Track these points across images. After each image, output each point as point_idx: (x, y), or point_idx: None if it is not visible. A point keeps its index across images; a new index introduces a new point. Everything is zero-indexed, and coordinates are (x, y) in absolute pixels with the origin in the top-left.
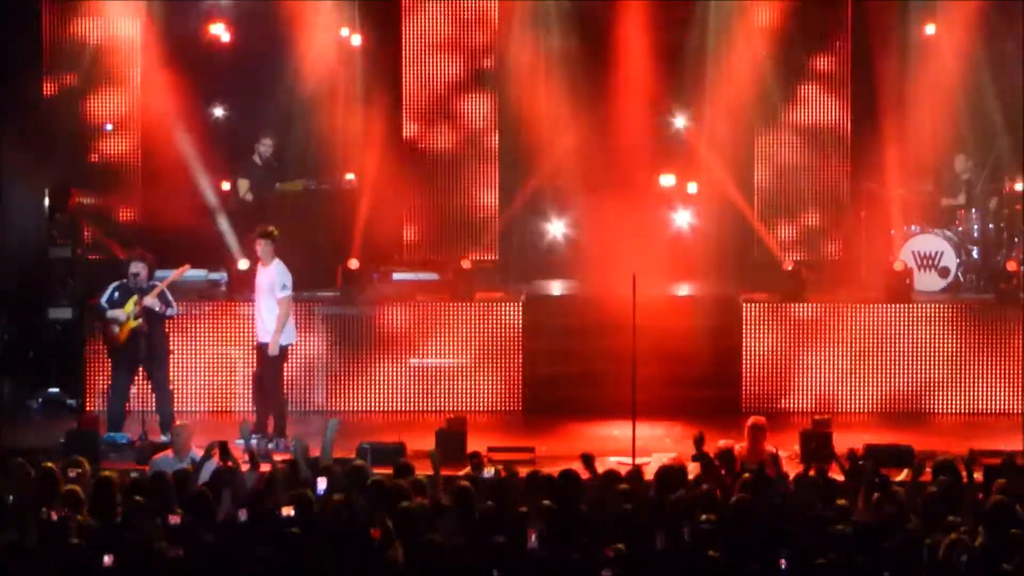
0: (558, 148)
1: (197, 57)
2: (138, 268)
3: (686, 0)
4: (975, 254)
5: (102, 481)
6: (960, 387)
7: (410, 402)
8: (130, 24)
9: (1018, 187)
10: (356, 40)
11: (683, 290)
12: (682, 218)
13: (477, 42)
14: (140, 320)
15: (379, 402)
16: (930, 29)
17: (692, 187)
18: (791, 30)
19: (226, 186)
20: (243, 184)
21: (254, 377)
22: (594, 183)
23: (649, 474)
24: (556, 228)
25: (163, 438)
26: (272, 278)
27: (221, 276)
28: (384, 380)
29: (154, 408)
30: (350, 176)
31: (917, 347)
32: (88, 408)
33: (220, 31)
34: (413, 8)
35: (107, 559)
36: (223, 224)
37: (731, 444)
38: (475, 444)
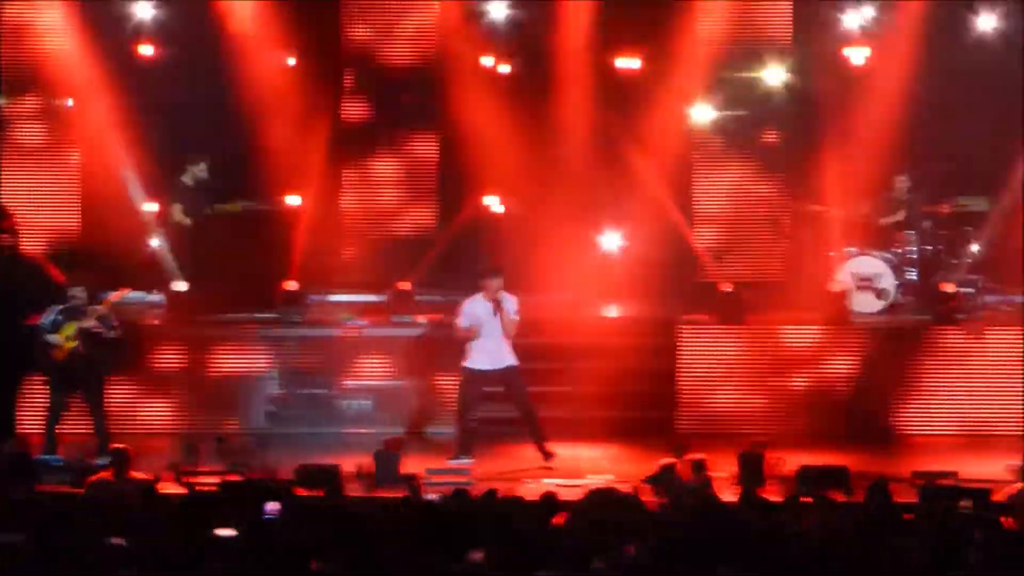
0: (498, 168)
1: (131, 75)
2: (77, 291)
3: (631, 23)
4: (913, 275)
5: (35, 502)
6: (898, 408)
7: (348, 424)
8: (63, 41)
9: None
10: (291, 61)
11: (620, 311)
12: (617, 239)
13: (417, 59)
14: (78, 342)
15: (318, 424)
16: (857, 57)
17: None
18: (733, 48)
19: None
20: (177, 208)
21: (518, 399)
22: (533, 204)
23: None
24: (495, 249)
25: (99, 461)
26: (513, 305)
27: (159, 298)
28: (325, 402)
29: (91, 430)
30: (295, 200)
31: (854, 368)
32: (20, 430)
33: (149, 49)
34: (353, 27)
35: None
36: (161, 245)
37: (674, 462)
38: (412, 466)
